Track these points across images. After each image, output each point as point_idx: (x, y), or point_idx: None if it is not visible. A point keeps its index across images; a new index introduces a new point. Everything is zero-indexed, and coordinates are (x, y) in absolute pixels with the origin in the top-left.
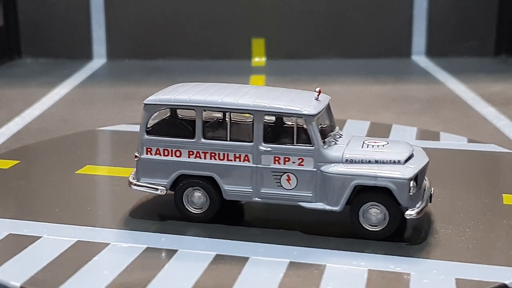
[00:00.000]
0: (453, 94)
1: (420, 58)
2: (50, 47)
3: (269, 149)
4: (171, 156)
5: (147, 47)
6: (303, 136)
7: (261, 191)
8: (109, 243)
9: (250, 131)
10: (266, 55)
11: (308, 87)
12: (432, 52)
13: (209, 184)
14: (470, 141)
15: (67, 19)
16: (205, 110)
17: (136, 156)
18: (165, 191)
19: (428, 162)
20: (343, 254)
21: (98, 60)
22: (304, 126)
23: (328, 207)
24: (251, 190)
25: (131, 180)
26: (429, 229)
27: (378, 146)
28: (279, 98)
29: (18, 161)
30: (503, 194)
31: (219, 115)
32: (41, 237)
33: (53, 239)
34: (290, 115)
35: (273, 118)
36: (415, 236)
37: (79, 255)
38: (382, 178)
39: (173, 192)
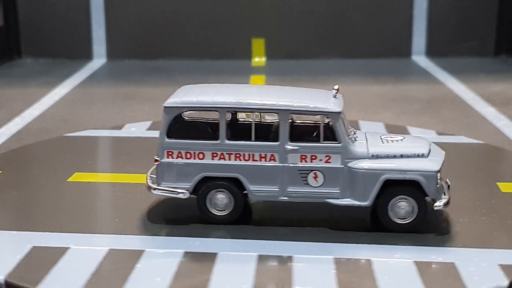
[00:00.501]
0: (453, 94)
1: (420, 58)
2: (50, 47)
3: (296, 147)
4: (194, 158)
5: (147, 47)
6: (329, 134)
7: (288, 190)
8: (144, 250)
9: (271, 130)
10: (266, 55)
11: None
12: (432, 52)
13: (234, 186)
14: (439, 133)
15: (67, 19)
16: (228, 111)
17: (156, 160)
18: (188, 195)
19: (445, 154)
20: (380, 248)
21: (98, 60)
22: (330, 123)
23: (356, 203)
24: (278, 189)
25: (150, 184)
26: (447, 219)
27: (397, 141)
28: (301, 97)
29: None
30: (498, 183)
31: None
32: (68, 248)
33: (82, 249)
34: (317, 113)
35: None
36: (439, 227)
37: (120, 264)
38: (412, 172)
39: (195, 195)
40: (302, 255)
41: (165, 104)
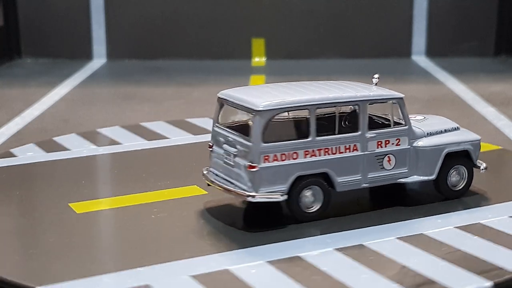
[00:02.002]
0: (453, 94)
1: (420, 58)
2: (50, 47)
3: (374, 135)
4: (289, 159)
5: (147, 47)
6: (395, 119)
7: (368, 176)
8: (239, 266)
9: (344, 121)
10: (266, 55)
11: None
12: (432, 52)
13: (324, 181)
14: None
15: (67, 19)
16: (317, 108)
17: (252, 167)
18: (286, 197)
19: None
20: (464, 213)
21: (98, 60)
22: (399, 108)
23: (424, 178)
24: (360, 177)
25: (248, 193)
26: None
27: (425, 119)
28: (361, 89)
29: None
30: None
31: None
32: (148, 285)
33: (165, 282)
34: (390, 99)
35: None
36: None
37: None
38: (464, 143)
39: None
40: (429, 231)
41: (260, 108)
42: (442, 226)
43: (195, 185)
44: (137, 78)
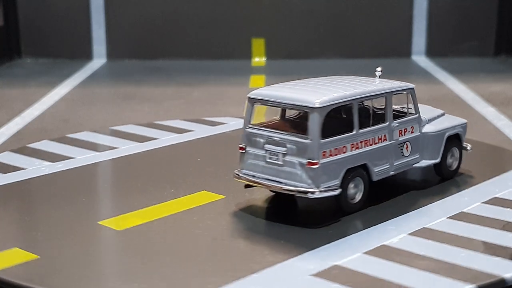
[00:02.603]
0: (453, 94)
1: (420, 58)
2: (50, 47)
3: (397, 124)
4: (340, 154)
5: (147, 47)
6: (408, 108)
7: (394, 164)
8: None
9: (370, 113)
10: (266, 55)
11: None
12: (432, 52)
13: (365, 172)
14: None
15: (67, 19)
16: (360, 103)
17: (312, 164)
18: (340, 190)
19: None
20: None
21: (98, 60)
22: (411, 98)
23: (431, 162)
24: (389, 165)
25: (309, 190)
26: None
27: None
28: (376, 82)
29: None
30: None
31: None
32: None
33: (289, 284)
34: (406, 90)
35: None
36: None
37: None
38: (458, 126)
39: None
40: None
41: (316, 105)
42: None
43: (204, 190)
44: (137, 78)
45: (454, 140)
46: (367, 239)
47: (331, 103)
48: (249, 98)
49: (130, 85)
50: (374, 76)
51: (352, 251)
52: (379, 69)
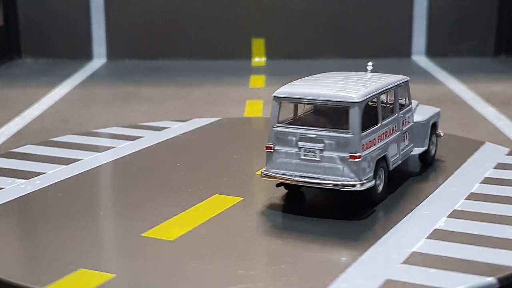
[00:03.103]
0: (453, 94)
1: (420, 58)
2: (50, 47)
3: (402, 115)
4: (372, 146)
5: (147, 47)
6: (403, 99)
7: (401, 152)
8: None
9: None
10: (266, 55)
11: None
12: (432, 52)
13: (385, 162)
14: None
15: (67, 19)
16: (381, 94)
17: (355, 157)
18: (374, 181)
19: None
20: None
21: (98, 60)
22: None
23: (420, 149)
24: (398, 154)
25: (356, 182)
26: None
27: None
28: (377, 76)
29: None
30: None
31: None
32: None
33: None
34: (404, 83)
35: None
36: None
37: None
38: (436, 115)
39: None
40: None
41: (355, 100)
42: None
43: (216, 194)
44: (137, 78)
45: (432, 128)
46: (416, 225)
47: (367, 97)
48: (276, 97)
49: (130, 85)
50: (368, 66)
51: (415, 238)
52: (370, 63)
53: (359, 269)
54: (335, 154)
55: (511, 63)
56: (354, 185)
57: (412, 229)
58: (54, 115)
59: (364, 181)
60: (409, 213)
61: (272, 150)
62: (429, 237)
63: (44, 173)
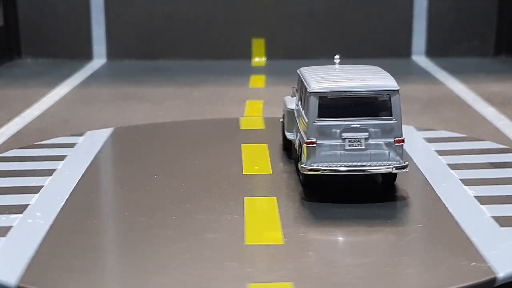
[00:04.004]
0: (453, 94)
1: (420, 58)
2: (50, 47)
3: None
4: None
5: (147, 47)
6: None
7: None
8: None
9: None
10: (266, 55)
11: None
12: (432, 52)
13: None
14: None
15: (67, 19)
16: None
17: (400, 141)
18: None
19: None
20: None
21: (98, 60)
22: None
23: None
24: None
25: (404, 165)
26: None
27: None
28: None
29: None
30: None
31: None
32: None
33: None
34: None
35: None
36: None
37: None
38: None
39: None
40: None
41: (397, 88)
42: None
43: (245, 197)
44: (137, 78)
45: None
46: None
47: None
48: (316, 92)
49: (130, 85)
50: (336, 59)
51: None
52: (337, 56)
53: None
54: (380, 141)
55: (511, 63)
56: (403, 167)
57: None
58: (54, 115)
59: (408, 162)
60: None
61: (314, 145)
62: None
63: None
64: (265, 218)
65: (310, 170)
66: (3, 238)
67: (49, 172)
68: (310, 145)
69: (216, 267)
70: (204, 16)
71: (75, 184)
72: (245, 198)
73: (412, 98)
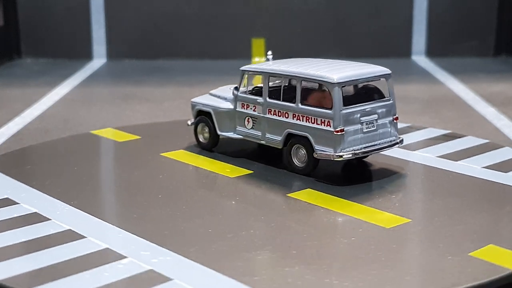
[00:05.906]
0: (453, 94)
1: (420, 58)
2: (50, 47)
3: None
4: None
5: (147, 47)
6: None
7: None
8: None
9: None
10: (266, 55)
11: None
12: (432, 52)
13: None
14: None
15: (67, 19)
16: None
17: (397, 118)
18: None
19: None
20: None
21: (98, 60)
22: None
23: None
24: None
25: (401, 139)
26: None
27: None
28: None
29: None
30: None
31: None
32: None
33: None
34: None
35: None
36: None
37: None
38: None
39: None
40: None
41: (390, 72)
42: None
43: (309, 188)
44: (137, 78)
45: None
46: None
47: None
48: (338, 82)
49: (130, 85)
50: (268, 56)
51: None
52: (270, 52)
53: None
54: (386, 120)
55: (511, 63)
56: (403, 140)
57: None
58: (54, 115)
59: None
60: None
61: (343, 132)
62: None
63: None
64: (340, 204)
65: (339, 157)
66: None
67: None
68: (340, 133)
69: None
70: (204, 16)
71: None
72: (309, 189)
73: (412, 98)
